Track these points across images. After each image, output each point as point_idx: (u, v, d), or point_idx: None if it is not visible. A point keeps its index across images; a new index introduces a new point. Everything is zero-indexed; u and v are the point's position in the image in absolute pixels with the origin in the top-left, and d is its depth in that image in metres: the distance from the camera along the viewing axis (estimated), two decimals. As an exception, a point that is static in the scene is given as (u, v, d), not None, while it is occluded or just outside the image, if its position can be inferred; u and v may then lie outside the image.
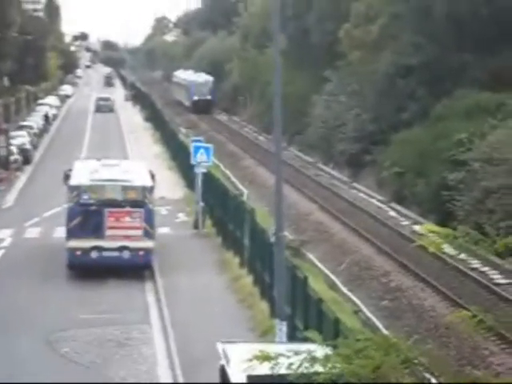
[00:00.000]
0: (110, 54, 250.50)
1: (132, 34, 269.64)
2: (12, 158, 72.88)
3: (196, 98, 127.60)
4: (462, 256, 43.23)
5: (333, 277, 42.75)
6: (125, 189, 41.29)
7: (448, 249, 43.92)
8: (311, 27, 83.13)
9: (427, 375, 12.56)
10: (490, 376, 12.98)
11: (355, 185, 68.21)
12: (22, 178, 69.87)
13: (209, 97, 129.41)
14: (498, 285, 40.38)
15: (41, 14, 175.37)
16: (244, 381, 18.62)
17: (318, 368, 12.93)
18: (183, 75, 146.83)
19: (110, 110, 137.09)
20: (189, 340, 29.60)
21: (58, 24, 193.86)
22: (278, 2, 30.74)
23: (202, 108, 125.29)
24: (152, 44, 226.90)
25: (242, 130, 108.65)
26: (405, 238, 50.22)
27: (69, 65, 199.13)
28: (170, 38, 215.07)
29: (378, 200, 62.14)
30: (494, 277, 41.58)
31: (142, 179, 42.82)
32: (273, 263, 30.09)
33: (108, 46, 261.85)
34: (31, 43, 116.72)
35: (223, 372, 20.65)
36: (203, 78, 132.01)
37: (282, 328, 27.71)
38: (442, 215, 51.96)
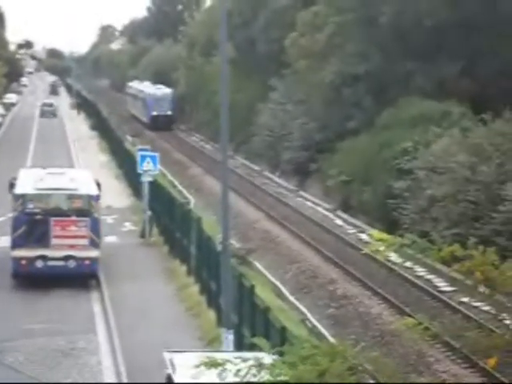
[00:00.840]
0: (55, 63, 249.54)
1: (78, 42, 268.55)
2: None
3: (155, 113, 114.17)
4: (408, 264, 43.54)
5: (280, 285, 42.78)
6: (70, 197, 40.99)
7: (394, 257, 44.48)
8: (257, 36, 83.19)
9: (372, 382, 12.60)
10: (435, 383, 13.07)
11: (302, 193, 68.47)
12: None
13: (169, 112, 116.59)
14: (443, 292, 40.60)
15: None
16: (193, 390, 18.59)
17: (265, 375, 12.93)
18: (139, 87, 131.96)
19: (54, 115, 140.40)
20: (135, 349, 29.46)
21: (1, 32, 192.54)
22: (225, 10, 30.80)
23: (161, 124, 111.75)
24: (98, 52, 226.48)
25: (189, 138, 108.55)
26: (351, 246, 50.45)
27: (13, 73, 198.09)
28: (115, 46, 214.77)
29: (325, 208, 62.40)
30: (440, 284, 41.80)
31: (87, 188, 42.44)
32: (219, 272, 30.01)
33: (53, 54, 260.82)
34: None
35: (169, 381, 20.61)
36: (162, 91, 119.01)
37: (228, 337, 27.68)
38: (388, 223, 52.27)
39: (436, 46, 65.28)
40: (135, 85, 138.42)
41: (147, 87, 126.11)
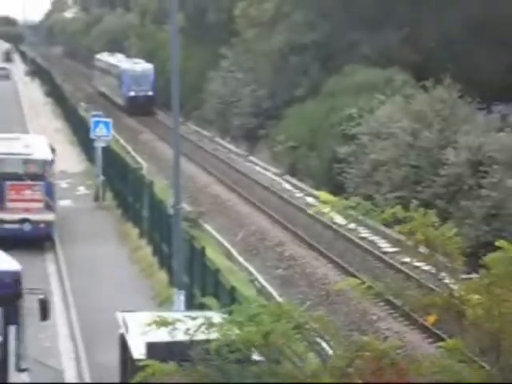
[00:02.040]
0: (8, 30, 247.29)
1: (31, 10, 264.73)
2: None
3: (133, 93, 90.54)
4: (352, 225, 43.68)
5: (229, 247, 42.87)
6: (25, 162, 40.84)
7: (339, 219, 44.59)
8: (207, 5, 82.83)
9: (318, 340, 12.63)
10: (378, 340, 13.07)
11: (251, 158, 68.47)
12: None
13: (150, 92, 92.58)
14: (385, 253, 40.91)
15: None
16: (143, 348, 18.66)
17: (214, 334, 12.95)
18: (112, 60, 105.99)
19: (7, 77, 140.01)
20: (89, 309, 29.32)
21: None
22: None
23: (140, 107, 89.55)
24: (51, 21, 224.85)
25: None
26: (298, 209, 50.60)
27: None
28: (69, 14, 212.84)
29: (273, 173, 62.48)
30: (382, 245, 42.12)
31: (42, 153, 42.18)
32: (171, 234, 30.09)
33: (7, 21, 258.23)
34: None
35: (123, 340, 20.66)
36: (141, 66, 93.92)
37: (180, 297, 27.79)
38: (333, 187, 52.43)
39: (380, 15, 65.48)
40: (106, 57, 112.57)
41: (123, 61, 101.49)
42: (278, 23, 71.19)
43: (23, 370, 22.27)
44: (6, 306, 22.46)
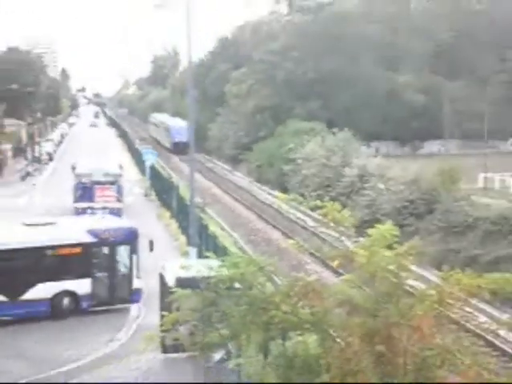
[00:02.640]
0: (97, 100, 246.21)
1: (110, 88, 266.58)
2: (42, 157, 72.12)
3: (176, 140, 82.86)
4: (292, 211, 43.63)
5: (223, 223, 42.78)
6: (106, 174, 40.91)
7: (284, 207, 44.41)
8: (209, 86, 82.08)
9: (275, 277, 12.55)
10: (307, 276, 12.99)
11: (235, 172, 68.24)
12: (50, 168, 68.54)
13: (186, 139, 79.85)
14: (311, 226, 40.88)
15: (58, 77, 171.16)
16: (173, 280, 18.53)
17: (213, 273, 12.86)
18: (162, 118, 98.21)
19: (96, 126, 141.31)
20: (142, 259, 28.69)
21: (67, 82, 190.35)
22: (191, 74, 30.69)
23: (181, 149, 78.91)
24: (120, 94, 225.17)
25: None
26: (261, 201, 50.61)
27: (73, 106, 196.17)
28: (130, 91, 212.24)
29: (248, 181, 62.36)
30: (309, 222, 42.08)
31: (115, 169, 42.33)
32: (188, 215, 29.97)
33: (96, 95, 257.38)
34: (53, 94, 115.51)
35: (162, 276, 20.54)
36: (180, 122, 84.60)
37: (193, 251, 27.66)
38: (282, 190, 52.50)
39: (307, 92, 65.74)
40: (158, 116, 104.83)
41: (169, 119, 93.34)
42: (250, 96, 71.17)
43: (139, 278, 24.63)
44: (131, 245, 24.36)
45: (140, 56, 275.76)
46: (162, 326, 20.19)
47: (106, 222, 25.96)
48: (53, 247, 22.98)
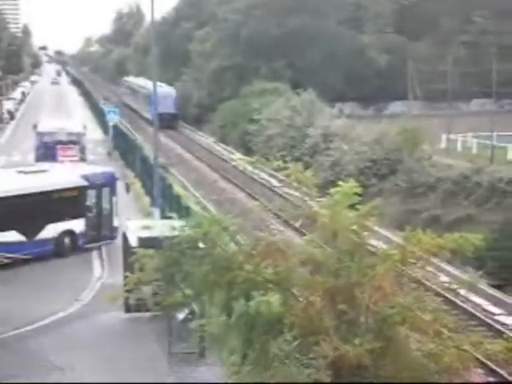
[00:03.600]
0: (59, 58, 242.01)
1: (73, 45, 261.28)
2: (4, 116, 71.31)
3: (160, 111, 55.04)
4: (256, 171, 43.67)
5: (186, 183, 42.66)
6: (69, 134, 40.58)
7: (249, 168, 44.45)
8: (175, 45, 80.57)
9: (239, 237, 12.56)
10: (270, 235, 13.01)
11: (199, 132, 67.83)
12: (11, 126, 67.69)
13: (173, 111, 68.73)
14: (274, 186, 41.02)
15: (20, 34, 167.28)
16: (135, 240, 18.52)
17: (176, 232, 12.82)
18: (141, 83, 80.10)
19: (58, 83, 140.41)
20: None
21: (29, 39, 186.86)
22: (154, 38, 30.17)
23: (166, 122, 61.27)
24: (83, 52, 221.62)
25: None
26: (225, 161, 50.47)
27: (36, 64, 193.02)
28: (93, 48, 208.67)
29: (211, 141, 62.12)
30: (273, 183, 42.19)
31: (78, 128, 42.40)
32: (152, 175, 29.84)
33: (58, 53, 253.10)
34: (15, 51, 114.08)
35: (125, 235, 20.52)
36: (166, 90, 68.74)
37: (156, 212, 27.64)
38: (245, 150, 52.34)
39: (272, 51, 65.35)
40: (134, 80, 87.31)
41: (149, 84, 71.34)
42: (214, 55, 70.53)
43: (117, 217, 26.79)
44: (111, 188, 26.69)
45: (103, 13, 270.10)
46: (125, 285, 20.20)
47: (89, 168, 29.21)
48: (58, 191, 25.10)
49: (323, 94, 53.41)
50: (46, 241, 24.74)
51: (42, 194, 24.50)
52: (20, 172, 26.42)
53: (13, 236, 23.71)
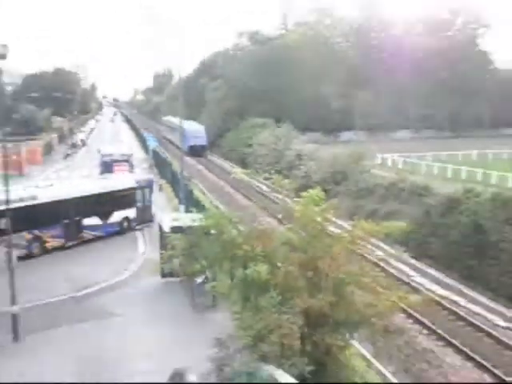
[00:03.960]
0: (115, 103, 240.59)
1: (125, 95, 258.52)
2: (77, 143, 70.88)
3: (192, 143, 60.34)
4: (249, 179, 43.33)
5: (204, 189, 42.38)
6: (121, 155, 40.71)
7: (245, 178, 44.10)
8: (193, 94, 79.92)
9: (239, 226, 12.44)
10: (260, 224, 12.86)
11: (212, 154, 67.05)
12: (82, 151, 67.15)
13: (203, 143, 62.70)
14: (264, 191, 40.51)
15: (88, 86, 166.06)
16: (168, 228, 18.41)
17: (196, 223, 12.72)
18: (176, 121, 58.79)
19: (113, 121, 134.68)
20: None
21: (95, 91, 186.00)
22: (181, 89, 30.01)
23: (196, 152, 60.82)
24: (132, 99, 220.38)
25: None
26: (228, 173, 49.77)
27: (99, 107, 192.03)
28: (139, 97, 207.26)
29: (220, 160, 61.53)
30: (263, 188, 41.82)
31: (128, 151, 42.49)
32: (179, 183, 29.74)
33: (115, 100, 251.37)
34: (85, 100, 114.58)
35: (160, 226, 20.42)
36: (198, 127, 63.94)
37: (182, 208, 27.56)
38: (243, 166, 51.92)
39: (261, 98, 65.09)
40: (172, 119, 73.63)
41: (185, 123, 57.10)
42: (222, 100, 70.19)
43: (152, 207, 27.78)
44: (150, 188, 27.89)
45: (146, 73, 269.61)
46: (161, 259, 20.02)
47: (136, 176, 30.83)
48: (120, 191, 25.95)
49: (297, 127, 53.18)
50: (113, 223, 25.52)
51: (111, 192, 25.37)
52: (99, 179, 28.44)
53: (95, 220, 24.60)
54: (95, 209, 24.53)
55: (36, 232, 21.98)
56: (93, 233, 24.45)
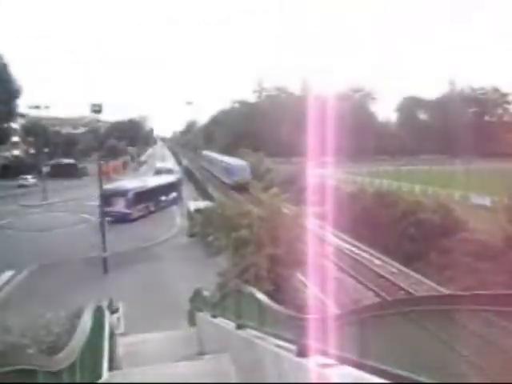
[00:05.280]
0: (163, 138, 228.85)
1: (169, 133, 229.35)
2: (141, 162, 67.82)
3: (235, 178, 29.58)
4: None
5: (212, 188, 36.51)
6: (168, 169, 38.32)
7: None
8: (211, 134, 73.90)
9: (235, 209, 12.10)
10: (247, 209, 12.52)
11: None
12: (144, 167, 63.25)
13: (248, 178, 29.90)
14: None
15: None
16: (193, 209, 18.18)
17: (216, 210, 12.34)
18: (219, 157, 39.83)
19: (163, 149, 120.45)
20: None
21: (152, 131, 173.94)
22: (201, 133, 28.84)
23: (241, 187, 28.65)
24: (174, 136, 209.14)
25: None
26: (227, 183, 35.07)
27: (154, 141, 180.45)
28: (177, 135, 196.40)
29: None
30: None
31: (172, 166, 42.30)
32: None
33: (163, 137, 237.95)
34: (145, 138, 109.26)
35: (188, 209, 20.06)
36: (242, 163, 32.40)
37: (201, 200, 26.17)
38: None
39: (247, 135, 52.92)
40: (213, 154, 44.68)
41: (226, 159, 37.65)
42: (223, 137, 65.30)
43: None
44: (181, 183, 28.45)
45: (181, 119, 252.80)
46: (188, 227, 19.68)
47: (174, 176, 30.99)
48: (172, 182, 27.25)
49: (266, 154, 45.64)
50: (170, 200, 25.98)
51: (169, 183, 26.77)
52: (161, 177, 29.48)
53: (164, 197, 25.53)
54: (164, 191, 25.82)
55: (146, 204, 23.66)
56: (164, 204, 25.20)
